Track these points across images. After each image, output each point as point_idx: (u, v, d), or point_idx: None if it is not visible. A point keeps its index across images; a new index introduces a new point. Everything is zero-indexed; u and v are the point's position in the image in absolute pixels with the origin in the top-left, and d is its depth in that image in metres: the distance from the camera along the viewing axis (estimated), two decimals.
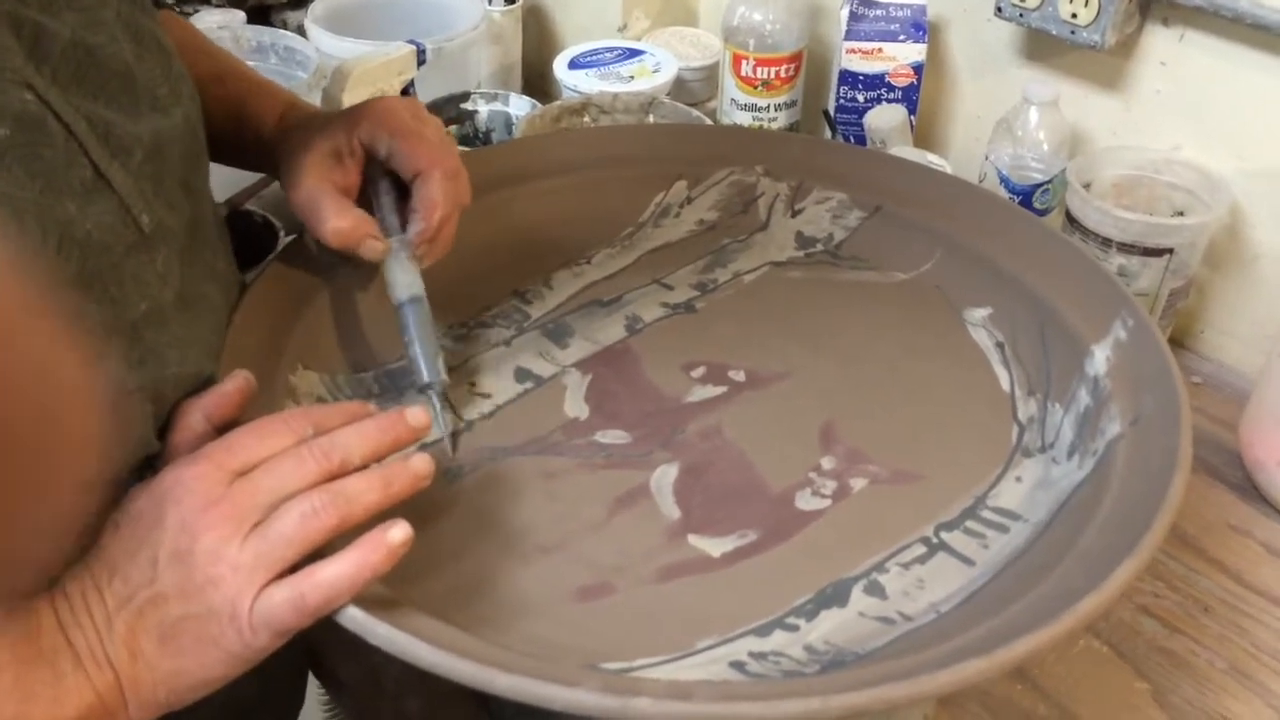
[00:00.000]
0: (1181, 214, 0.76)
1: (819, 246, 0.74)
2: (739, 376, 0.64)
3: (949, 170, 0.79)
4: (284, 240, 0.73)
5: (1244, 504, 0.69)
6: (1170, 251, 0.73)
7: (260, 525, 0.43)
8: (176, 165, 0.51)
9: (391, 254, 0.59)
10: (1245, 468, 0.70)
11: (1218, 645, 0.60)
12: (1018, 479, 0.58)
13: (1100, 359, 0.60)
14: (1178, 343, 0.82)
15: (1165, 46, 0.77)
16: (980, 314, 0.68)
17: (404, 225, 0.61)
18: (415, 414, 0.49)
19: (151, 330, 0.47)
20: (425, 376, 0.58)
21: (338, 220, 0.58)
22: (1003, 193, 0.80)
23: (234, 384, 0.50)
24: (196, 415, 0.49)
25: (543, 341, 0.67)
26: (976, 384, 0.64)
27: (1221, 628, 0.61)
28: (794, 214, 0.76)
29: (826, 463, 0.59)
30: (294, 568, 0.43)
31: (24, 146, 0.42)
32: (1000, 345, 0.66)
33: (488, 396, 0.63)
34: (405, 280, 0.59)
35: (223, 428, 0.49)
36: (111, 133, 0.46)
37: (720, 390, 0.64)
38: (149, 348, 0.47)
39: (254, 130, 0.63)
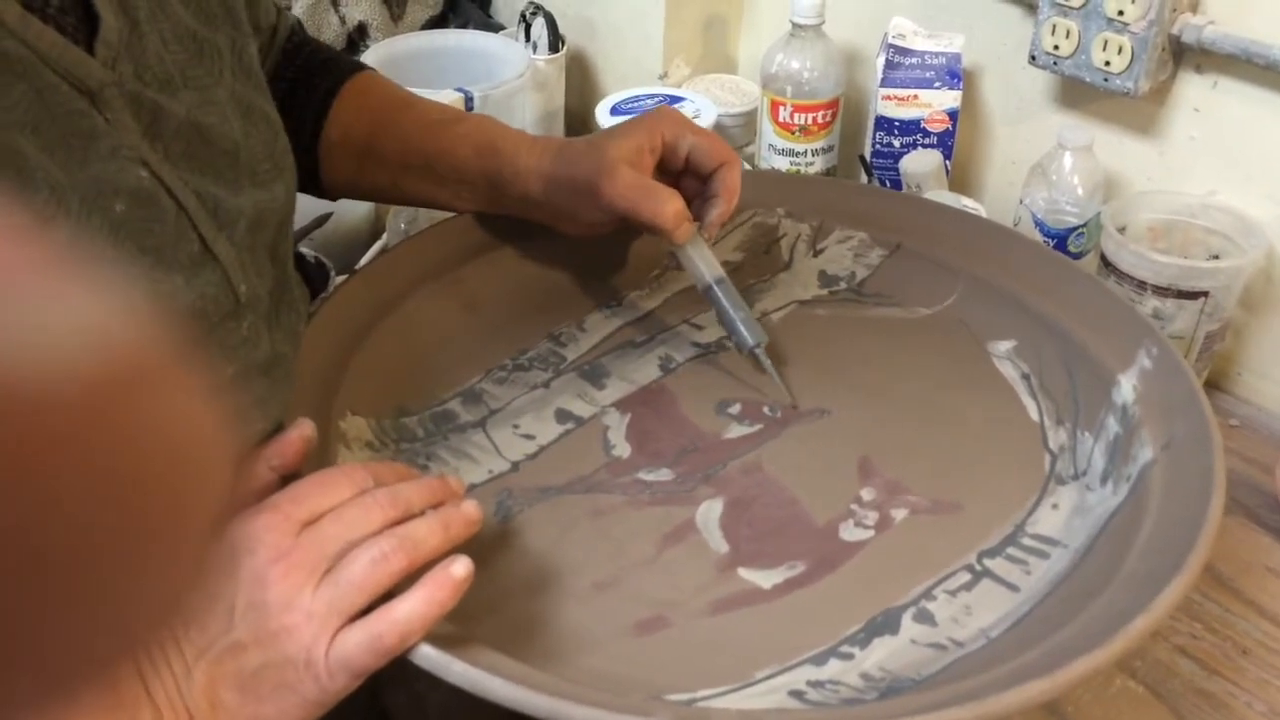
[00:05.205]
0: (1217, 258, 0.77)
1: (842, 285, 0.76)
2: (774, 412, 0.66)
3: (984, 214, 0.80)
4: (335, 281, 0.75)
5: None
6: (1205, 294, 0.73)
7: (331, 572, 0.45)
8: (270, 235, 0.53)
9: (691, 240, 0.65)
10: None
11: (1256, 688, 0.60)
12: (1054, 506, 0.59)
13: (1127, 388, 0.62)
14: (1214, 385, 0.82)
15: (1198, 93, 0.78)
16: (1005, 346, 0.70)
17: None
18: (455, 481, 0.51)
19: (237, 393, 0.49)
20: (750, 340, 0.65)
21: (675, 202, 0.63)
22: (1038, 236, 0.82)
23: (297, 432, 0.51)
24: (261, 465, 0.50)
25: (580, 383, 0.68)
26: (1006, 415, 0.66)
27: (1260, 670, 0.61)
28: (816, 253, 0.77)
29: (866, 494, 0.60)
30: (363, 610, 0.45)
31: (138, 222, 0.43)
32: (1027, 376, 0.68)
33: (531, 438, 0.64)
34: (709, 263, 0.66)
35: (287, 476, 0.50)
36: (220, 206, 0.48)
37: (757, 426, 0.65)
38: (235, 409, 0.49)
39: (511, 161, 0.66)
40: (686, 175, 0.67)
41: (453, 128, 0.68)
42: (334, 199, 0.72)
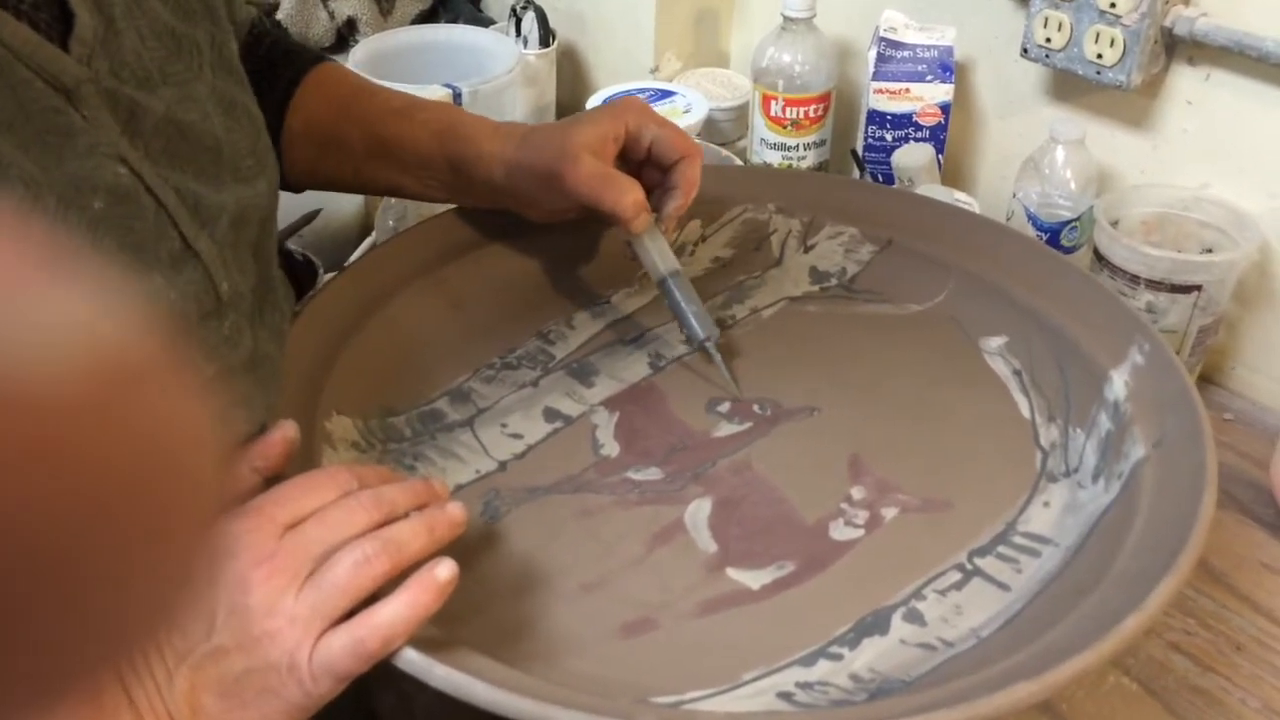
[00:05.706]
0: (1210, 251, 0.76)
1: (833, 281, 0.76)
2: (763, 410, 0.66)
3: (977, 209, 0.80)
4: (323, 278, 0.74)
5: (1276, 541, 0.68)
6: (1199, 288, 0.73)
7: (314, 575, 0.44)
8: (253, 232, 0.52)
9: (647, 231, 0.65)
10: (1277, 505, 0.70)
11: (1250, 684, 0.59)
12: (1045, 504, 0.59)
13: (1119, 384, 0.61)
14: (1209, 379, 0.82)
15: (1191, 86, 0.78)
16: (996, 343, 0.69)
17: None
18: (440, 484, 0.51)
19: (218, 393, 0.48)
20: (702, 334, 0.65)
21: (635, 192, 0.63)
22: (1030, 230, 0.81)
23: (280, 433, 0.50)
24: (244, 467, 0.49)
25: (569, 381, 0.68)
26: (997, 412, 0.65)
27: (1254, 666, 0.60)
28: (807, 249, 0.77)
29: (857, 493, 0.60)
30: (347, 614, 0.44)
31: (116, 219, 0.43)
32: (1018, 373, 0.67)
33: (519, 437, 0.63)
34: (664, 255, 0.66)
35: (270, 478, 0.49)
36: (200, 203, 0.48)
37: (746, 425, 0.65)
38: (220, 409, 0.48)
39: (474, 146, 0.66)
40: (648, 166, 0.67)
41: (415, 114, 0.67)
42: (297, 190, 0.71)
